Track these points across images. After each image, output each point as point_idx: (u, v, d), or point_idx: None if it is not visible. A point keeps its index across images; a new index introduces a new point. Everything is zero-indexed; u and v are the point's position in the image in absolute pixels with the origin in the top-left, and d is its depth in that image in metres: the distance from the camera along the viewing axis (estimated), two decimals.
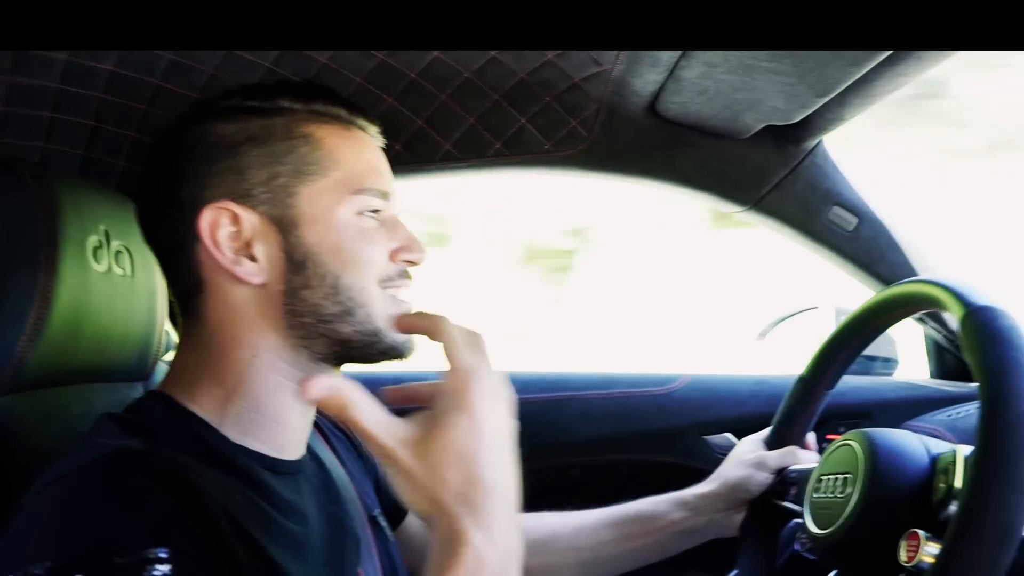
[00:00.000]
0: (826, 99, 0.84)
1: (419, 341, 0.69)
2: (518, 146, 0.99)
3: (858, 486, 0.71)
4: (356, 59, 0.84)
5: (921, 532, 0.63)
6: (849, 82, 0.79)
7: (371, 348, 0.66)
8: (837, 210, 1.05)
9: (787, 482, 0.90)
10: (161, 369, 0.85)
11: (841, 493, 0.74)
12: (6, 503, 0.58)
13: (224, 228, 0.63)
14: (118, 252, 0.76)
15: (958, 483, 0.64)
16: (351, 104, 0.71)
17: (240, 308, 0.65)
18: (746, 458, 0.95)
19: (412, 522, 0.90)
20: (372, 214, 0.67)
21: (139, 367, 0.82)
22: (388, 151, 0.97)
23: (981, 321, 0.62)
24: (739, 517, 0.94)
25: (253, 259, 0.64)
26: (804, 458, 0.92)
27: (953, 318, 0.66)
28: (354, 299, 0.65)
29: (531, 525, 0.92)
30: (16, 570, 0.48)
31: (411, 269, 0.70)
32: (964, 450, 0.66)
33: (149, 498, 0.52)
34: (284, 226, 0.64)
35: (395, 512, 0.88)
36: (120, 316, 0.76)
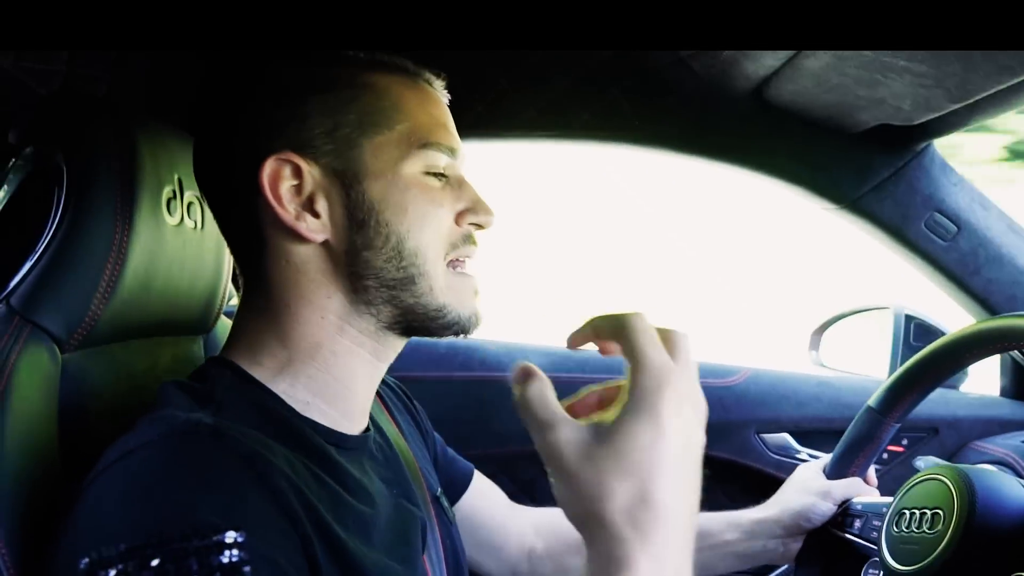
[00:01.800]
0: (959, 105, 0.77)
1: (485, 315, 0.66)
2: (607, 120, 0.93)
3: (952, 524, 0.68)
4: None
5: None
6: (992, 91, 0.72)
7: (434, 322, 0.63)
8: (937, 216, 0.99)
9: (850, 513, 0.87)
10: (223, 323, 0.83)
11: (930, 530, 0.71)
12: (75, 462, 0.57)
13: (286, 181, 0.60)
14: (190, 203, 0.72)
15: None
16: (416, 57, 0.66)
17: (304, 267, 0.61)
18: (811, 485, 0.91)
19: (464, 504, 0.88)
20: (437, 174, 0.63)
21: (202, 321, 0.79)
22: (469, 111, 0.92)
23: None
24: (795, 546, 0.91)
25: (316, 215, 0.60)
26: (867, 491, 0.89)
27: None
28: (417, 267, 0.61)
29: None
30: (89, 551, 0.46)
31: (478, 234, 0.66)
32: None
33: (222, 478, 0.50)
34: (347, 180, 0.60)
35: (450, 492, 0.86)
36: (189, 270, 0.73)
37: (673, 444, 0.44)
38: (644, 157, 0.99)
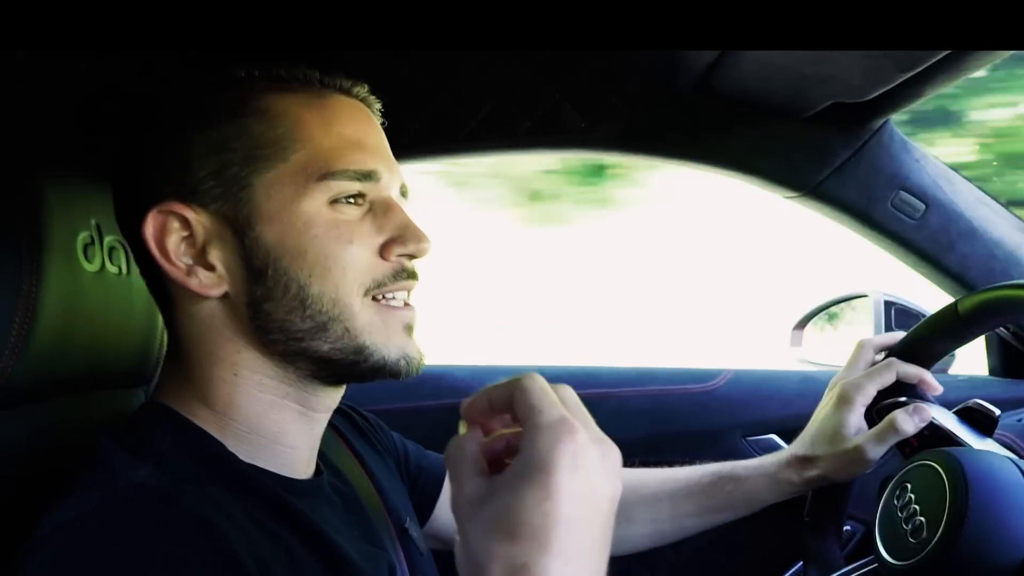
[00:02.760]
0: (909, 74, 0.74)
1: (425, 353, 0.60)
2: (552, 124, 0.91)
3: (943, 526, 0.64)
4: None
5: None
6: (940, 56, 0.70)
7: (358, 367, 0.57)
8: (903, 195, 0.96)
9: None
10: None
11: (920, 530, 0.66)
12: (3, 534, 0.52)
13: (174, 235, 0.55)
14: (112, 248, 0.68)
15: None
16: (326, 63, 0.59)
17: (208, 323, 0.57)
18: (841, 447, 0.81)
19: (442, 511, 0.84)
20: (352, 201, 0.56)
21: (139, 371, 0.75)
22: (406, 130, 0.89)
23: None
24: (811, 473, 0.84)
25: (210, 267, 0.55)
26: (910, 427, 0.77)
27: None
28: (326, 312, 0.55)
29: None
30: None
31: (414, 264, 0.59)
32: None
33: (173, 550, 0.46)
34: (239, 225, 0.55)
35: (432, 490, 0.83)
36: (115, 318, 0.69)
37: (566, 506, 0.39)
38: (594, 159, 0.96)
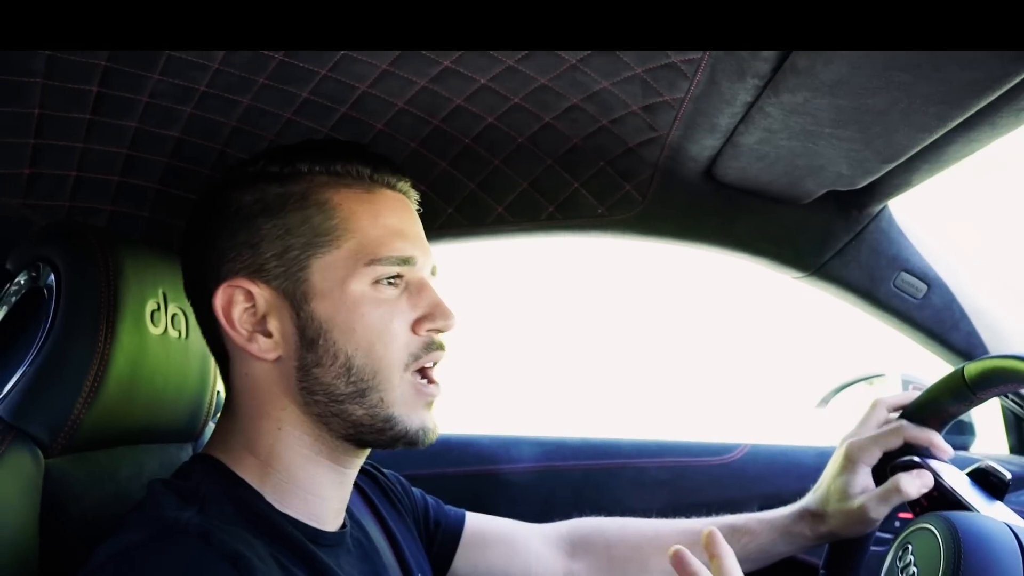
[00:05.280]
0: (892, 165, 0.81)
1: (436, 431, 0.67)
2: (571, 210, 0.99)
3: None
4: (412, 124, 0.85)
5: None
6: (918, 148, 0.76)
7: (383, 434, 0.65)
8: (905, 276, 1.01)
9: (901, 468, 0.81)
10: (211, 429, 0.86)
11: None
12: (54, 565, 0.59)
13: (239, 306, 0.64)
14: (174, 315, 0.77)
15: None
16: (377, 161, 0.68)
17: (260, 381, 0.65)
18: (847, 507, 0.83)
19: (464, 552, 0.87)
20: (392, 281, 0.65)
21: (189, 428, 0.82)
22: (440, 214, 0.99)
23: None
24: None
25: (268, 335, 0.64)
26: (914, 490, 0.80)
27: None
28: (367, 381, 0.63)
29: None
30: None
31: (443, 338, 0.67)
32: None
33: (205, 574, 0.52)
34: (296, 300, 0.63)
35: (446, 546, 0.87)
36: (174, 378, 0.77)
37: None
38: (612, 244, 1.04)
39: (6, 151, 0.75)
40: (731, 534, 0.89)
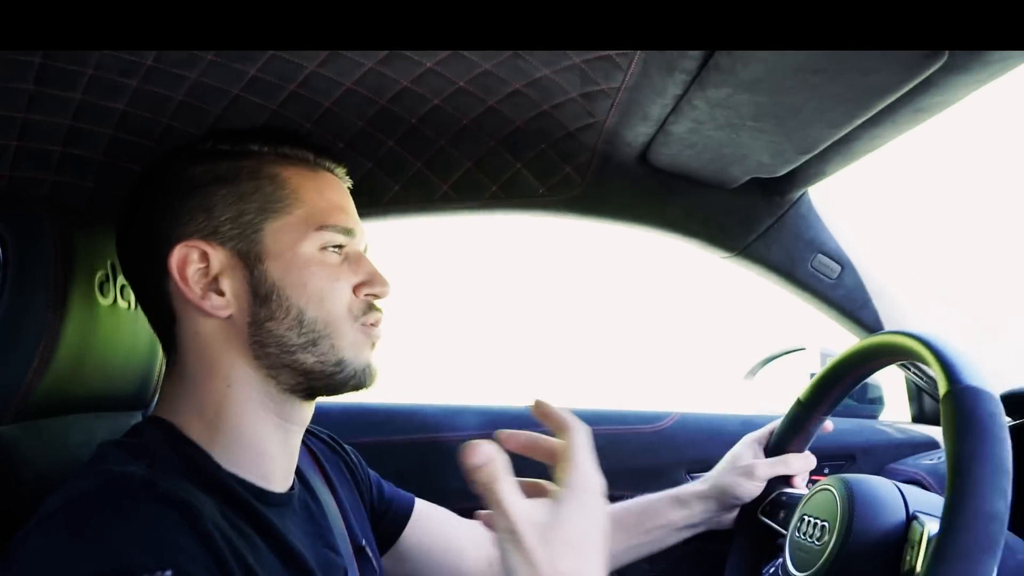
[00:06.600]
0: (808, 156, 0.88)
1: (380, 372, 0.73)
2: (513, 189, 1.03)
3: (835, 536, 0.74)
4: (360, 104, 0.88)
5: None
6: (830, 141, 0.83)
7: (333, 378, 0.69)
8: (821, 258, 1.09)
9: (778, 504, 0.93)
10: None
11: (819, 540, 0.76)
12: (7, 532, 0.61)
13: (192, 265, 0.67)
14: (123, 286, 0.79)
15: (919, 567, 0.66)
16: (318, 148, 0.75)
17: (210, 339, 0.68)
18: (737, 464, 0.98)
19: (410, 534, 0.93)
20: (335, 249, 0.70)
21: (139, 396, 0.84)
22: (387, 190, 1.01)
23: (961, 403, 0.62)
24: (729, 516, 0.99)
25: (221, 293, 0.67)
26: (797, 466, 0.95)
27: (936, 377, 0.67)
28: (318, 331, 0.68)
29: None
30: None
31: (379, 302, 0.73)
32: (931, 528, 0.68)
33: (154, 524, 0.55)
34: (250, 260, 0.68)
35: (392, 527, 0.91)
36: (123, 348, 0.79)
37: (596, 528, 0.55)
38: (552, 222, 1.09)
39: None
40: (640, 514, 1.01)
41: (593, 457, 0.57)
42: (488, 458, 0.53)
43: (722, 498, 0.98)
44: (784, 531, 0.88)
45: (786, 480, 0.97)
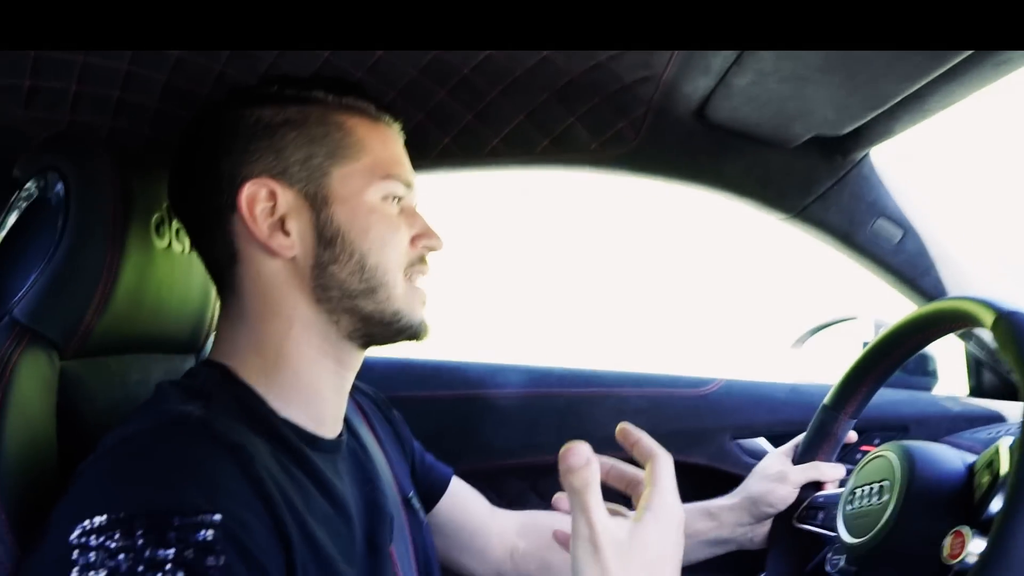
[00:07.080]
0: (877, 112, 0.84)
1: (432, 325, 0.73)
2: (566, 144, 1.01)
3: (896, 491, 0.72)
4: (411, 54, 0.86)
5: (966, 528, 0.64)
6: (901, 96, 0.79)
7: (389, 328, 0.70)
8: (882, 222, 1.05)
9: (813, 506, 0.91)
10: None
11: (878, 501, 0.75)
12: (70, 460, 0.63)
13: (261, 203, 0.67)
14: (178, 229, 0.79)
15: (1004, 469, 0.64)
16: (379, 101, 0.75)
17: (273, 279, 0.68)
18: (768, 472, 0.96)
19: (443, 508, 0.93)
20: (395, 200, 0.71)
21: (192, 339, 0.86)
22: (436, 144, 1.00)
23: (1013, 323, 0.64)
24: (762, 530, 0.95)
25: (286, 233, 0.68)
26: (828, 473, 0.93)
27: (986, 332, 0.66)
28: (377, 279, 0.69)
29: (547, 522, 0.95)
30: (82, 521, 0.51)
31: (429, 256, 0.74)
32: (1006, 441, 0.67)
33: (207, 464, 0.56)
34: (317, 203, 0.68)
35: (428, 497, 0.91)
36: (177, 290, 0.80)
37: (674, 555, 0.55)
38: (605, 180, 1.07)
39: (6, 60, 0.76)
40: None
41: (676, 487, 0.57)
42: (587, 461, 0.53)
43: (754, 508, 0.95)
44: (826, 531, 0.86)
45: (816, 487, 0.95)
